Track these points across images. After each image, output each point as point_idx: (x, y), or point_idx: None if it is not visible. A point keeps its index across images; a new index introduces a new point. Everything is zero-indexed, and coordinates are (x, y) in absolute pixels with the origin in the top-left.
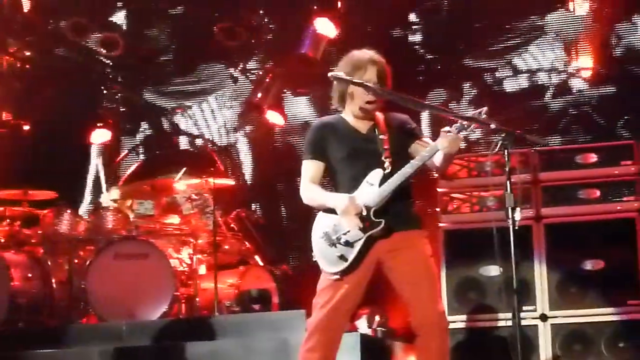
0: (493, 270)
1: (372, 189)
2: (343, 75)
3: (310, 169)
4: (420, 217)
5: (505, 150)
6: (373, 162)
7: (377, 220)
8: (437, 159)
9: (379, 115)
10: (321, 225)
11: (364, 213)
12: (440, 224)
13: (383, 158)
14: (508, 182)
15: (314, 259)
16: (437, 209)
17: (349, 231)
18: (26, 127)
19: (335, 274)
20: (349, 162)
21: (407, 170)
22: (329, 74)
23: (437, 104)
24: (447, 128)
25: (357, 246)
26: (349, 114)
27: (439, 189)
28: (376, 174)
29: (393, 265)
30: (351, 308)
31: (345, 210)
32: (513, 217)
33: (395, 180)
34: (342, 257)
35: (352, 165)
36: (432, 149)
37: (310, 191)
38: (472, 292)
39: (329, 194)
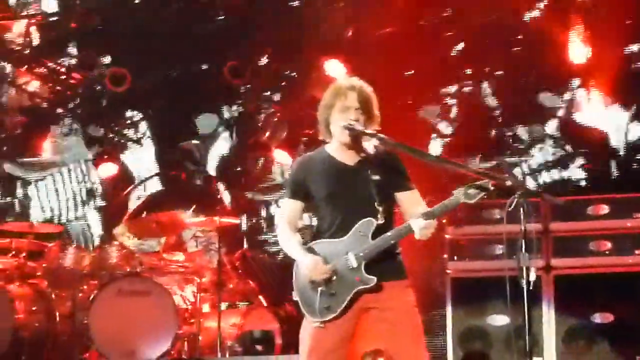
0: (500, 320)
1: (364, 241)
2: (357, 126)
3: (288, 208)
4: (403, 266)
5: (521, 208)
6: (361, 204)
7: (369, 277)
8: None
9: (369, 148)
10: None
11: (354, 265)
12: (448, 271)
13: (376, 205)
14: (523, 242)
15: (294, 297)
16: (445, 256)
17: (336, 282)
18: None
19: (319, 322)
20: (332, 201)
21: (399, 232)
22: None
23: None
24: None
25: (346, 300)
26: (335, 144)
27: (446, 236)
28: (368, 224)
29: (378, 315)
30: (339, 354)
31: (310, 275)
32: (528, 277)
33: (389, 239)
34: (329, 309)
35: (337, 204)
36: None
37: (283, 236)
38: (478, 341)
39: (298, 251)
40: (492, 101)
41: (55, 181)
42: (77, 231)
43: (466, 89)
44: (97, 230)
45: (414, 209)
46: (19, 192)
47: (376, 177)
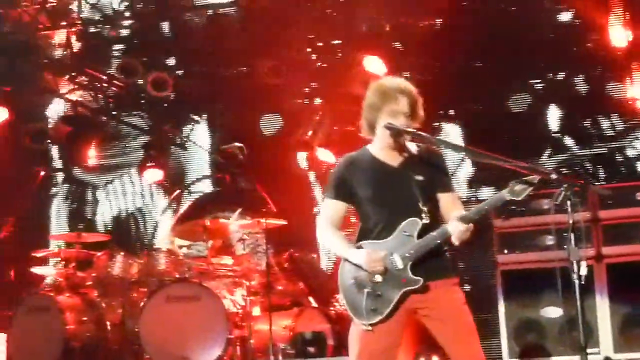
0: (553, 312)
1: (409, 241)
2: (398, 126)
3: (330, 208)
4: (451, 263)
5: (568, 202)
6: (407, 205)
7: (416, 277)
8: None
9: (412, 148)
10: (351, 269)
11: (400, 266)
12: (498, 264)
13: (420, 205)
14: (572, 235)
15: (340, 301)
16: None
17: (382, 284)
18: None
19: (366, 325)
20: (376, 202)
21: (445, 232)
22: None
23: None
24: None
25: (393, 302)
26: (378, 145)
27: (495, 228)
28: (413, 224)
29: (426, 315)
30: (389, 356)
31: (371, 269)
32: (579, 271)
33: (434, 239)
34: (376, 311)
35: (381, 205)
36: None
37: (326, 235)
38: (531, 333)
39: (347, 249)
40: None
41: (123, 184)
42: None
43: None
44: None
45: (451, 212)
46: (89, 197)
47: (420, 177)
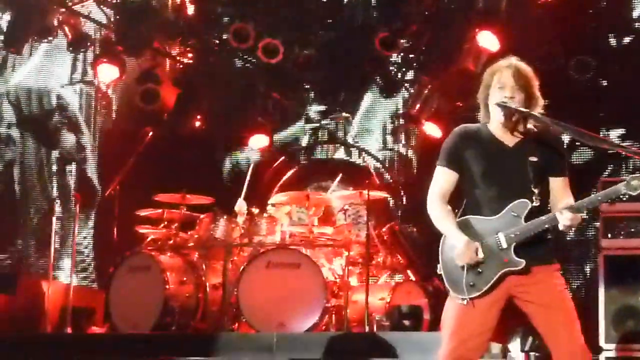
0: None
1: (516, 222)
2: (510, 104)
3: (443, 177)
4: (553, 250)
5: None
6: (517, 185)
7: (518, 259)
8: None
9: (530, 129)
10: (453, 243)
11: (504, 246)
12: (601, 249)
13: (532, 187)
14: None
15: (438, 272)
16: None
17: (484, 261)
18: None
19: (463, 299)
20: (487, 179)
21: (548, 219)
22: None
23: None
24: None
25: (492, 280)
26: (496, 123)
27: (601, 212)
28: (523, 205)
29: (525, 300)
30: (482, 340)
31: (459, 257)
32: None
33: (542, 223)
34: (474, 286)
35: (491, 182)
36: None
37: (435, 209)
38: (630, 320)
39: (452, 228)
40: None
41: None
42: None
43: None
44: None
45: (559, 198)
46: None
47: (534, 159)
